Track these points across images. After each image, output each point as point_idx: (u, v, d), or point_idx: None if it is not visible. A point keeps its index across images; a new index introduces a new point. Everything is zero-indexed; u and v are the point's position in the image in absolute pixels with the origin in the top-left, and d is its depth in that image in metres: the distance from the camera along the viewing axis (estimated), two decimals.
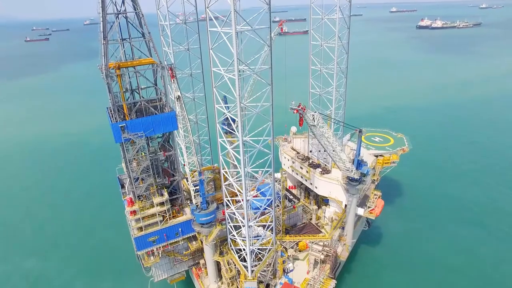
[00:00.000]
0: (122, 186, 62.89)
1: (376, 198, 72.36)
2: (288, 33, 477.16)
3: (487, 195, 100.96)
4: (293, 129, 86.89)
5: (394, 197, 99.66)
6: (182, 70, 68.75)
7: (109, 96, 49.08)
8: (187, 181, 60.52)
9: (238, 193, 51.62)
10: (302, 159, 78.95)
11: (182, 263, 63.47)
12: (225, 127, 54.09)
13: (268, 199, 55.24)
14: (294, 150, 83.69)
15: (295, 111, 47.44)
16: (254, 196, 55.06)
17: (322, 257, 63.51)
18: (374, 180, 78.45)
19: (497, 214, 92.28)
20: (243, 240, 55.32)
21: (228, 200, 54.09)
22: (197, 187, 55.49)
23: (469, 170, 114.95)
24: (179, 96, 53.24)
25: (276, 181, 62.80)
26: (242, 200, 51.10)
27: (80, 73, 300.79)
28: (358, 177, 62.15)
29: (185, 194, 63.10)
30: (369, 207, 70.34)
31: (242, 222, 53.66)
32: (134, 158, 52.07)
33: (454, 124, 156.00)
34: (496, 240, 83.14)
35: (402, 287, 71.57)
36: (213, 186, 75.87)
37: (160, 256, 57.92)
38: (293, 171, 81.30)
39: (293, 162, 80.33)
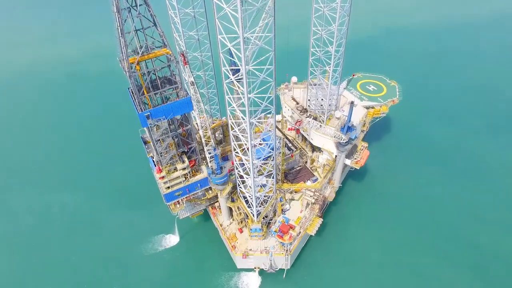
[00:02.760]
0: (145, 143, 74.10)
1: (362, 149, 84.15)
2: None
3: (475, 142, 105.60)
4: (294, 79, 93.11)
5: (380, 137, 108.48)
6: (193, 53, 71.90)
7: (131, 86, 56.10)
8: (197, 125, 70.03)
9: (242, 137, 58.80)
10: (301, 111, 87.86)
11: (201, 204, 79.42)
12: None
13: (269, 151, 65.04)
14: (294, 100, 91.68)
15: (292, 129, 55.10)
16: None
17: (313, 200, 78.93)
18: (363, 130, 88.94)
19: (489, 162, 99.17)
20: (248, 192, 69.21)
21: (237, 152, 62.88)
22: (212, 155, 67.11)
23: (461, 115, 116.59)
24: (192, 82, 60.39)
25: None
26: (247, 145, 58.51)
27: None
28: (347, 140, 72.84)
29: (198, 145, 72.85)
30: (355, 158, 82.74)
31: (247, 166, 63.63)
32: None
33: (452, 58, 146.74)
34: (482, 184, 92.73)
35: (383, 221, 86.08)
36: (221, 132, 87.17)
37: (184, 204, 73.11)
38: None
39: (292, 113, 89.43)
